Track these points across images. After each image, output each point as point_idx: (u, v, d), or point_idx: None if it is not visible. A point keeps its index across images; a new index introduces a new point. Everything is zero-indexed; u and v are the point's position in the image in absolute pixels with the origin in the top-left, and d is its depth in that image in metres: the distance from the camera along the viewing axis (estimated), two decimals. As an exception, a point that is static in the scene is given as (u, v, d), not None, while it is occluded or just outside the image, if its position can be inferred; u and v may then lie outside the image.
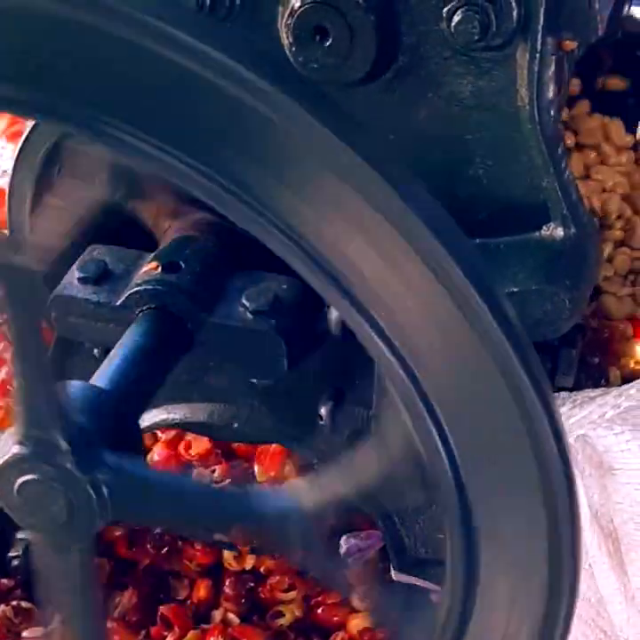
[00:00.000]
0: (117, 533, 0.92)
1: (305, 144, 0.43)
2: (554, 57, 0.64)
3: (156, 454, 0.91)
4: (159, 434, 0.91)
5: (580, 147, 1.07)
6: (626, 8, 1.12)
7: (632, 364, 1.05)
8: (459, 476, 0.50)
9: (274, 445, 0.88)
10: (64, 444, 0.52)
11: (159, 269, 0.71)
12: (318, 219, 0.45)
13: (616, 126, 1.08)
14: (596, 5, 0.60)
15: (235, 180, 0.45)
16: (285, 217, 0.45)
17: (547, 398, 0.47)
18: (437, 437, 0.49)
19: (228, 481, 0.88)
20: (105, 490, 0.53)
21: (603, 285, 1.06)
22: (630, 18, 1.10)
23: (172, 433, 0.91)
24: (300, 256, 0.46)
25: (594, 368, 1.05)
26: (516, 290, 0.63)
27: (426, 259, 0.44)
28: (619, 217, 1.08)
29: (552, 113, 0.64)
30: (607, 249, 1.07)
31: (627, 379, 0.97)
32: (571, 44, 0.79)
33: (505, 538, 0.52)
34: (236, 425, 0.78)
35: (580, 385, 1.01)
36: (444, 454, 0.49)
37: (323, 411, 0.73)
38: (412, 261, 0.45)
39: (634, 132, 1.11)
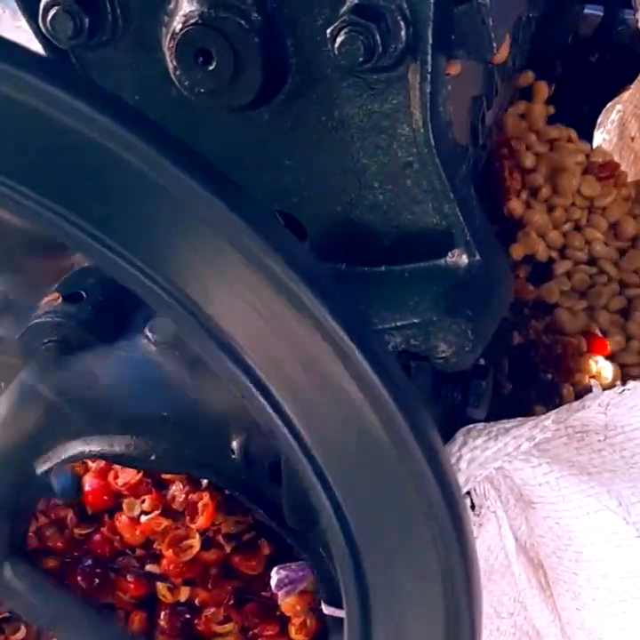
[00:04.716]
0: (48, 566, 0.89)
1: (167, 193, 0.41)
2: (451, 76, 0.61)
3: (87, 484, 0.88)
4: (90, 463, 0.89)
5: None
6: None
7: (586, 381, 1.01)
8: (344, 518, 0.49)
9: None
10: None
11: (60, 300, 0.69)
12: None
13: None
14: (490, 22, 0.57)
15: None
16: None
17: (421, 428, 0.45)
18: (321, 489, 0.47)
19: (156, 512, 0.86)
20: None
21: (559, 300, 1.03)
22: (583, 21, 1.07)
23: (102, 462, 0.88)
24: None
25: (547, 385, 1.02)
26: (416, 321, 0.60)
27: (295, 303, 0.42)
28: (587, 242, 1.05)
29: (450, 135, 0.61)
30: (567, 266, 1.04)
31: (580, 395, 0.95)
32: (501, 57, 0.76)
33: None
34: (153, 457, 0.76)
35: (532, 402, 0.98)
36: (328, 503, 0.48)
37: (234, 444, 0.70)
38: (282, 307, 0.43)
39: (589, 140, 1.08)
